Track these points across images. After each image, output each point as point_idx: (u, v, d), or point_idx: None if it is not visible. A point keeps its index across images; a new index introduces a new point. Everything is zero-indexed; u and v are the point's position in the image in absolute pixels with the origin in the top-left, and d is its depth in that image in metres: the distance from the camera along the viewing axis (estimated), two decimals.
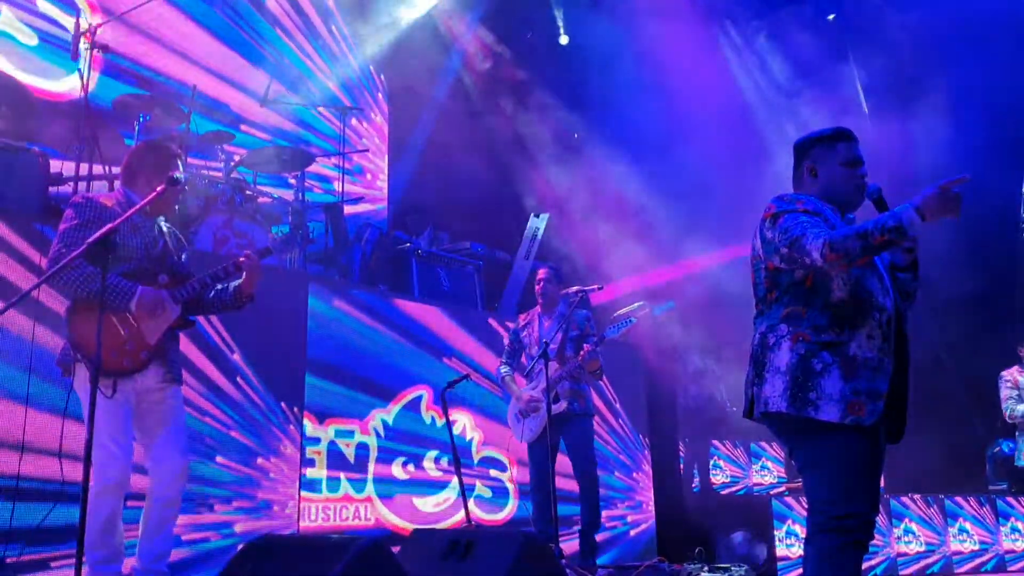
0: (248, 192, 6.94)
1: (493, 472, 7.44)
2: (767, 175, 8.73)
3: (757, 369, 3.19)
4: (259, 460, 5.91)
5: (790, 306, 3.15)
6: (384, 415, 6.79)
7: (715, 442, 9.90)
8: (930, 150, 8.65)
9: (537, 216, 9.52)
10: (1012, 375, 8.05)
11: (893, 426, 3.18)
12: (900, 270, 3.29)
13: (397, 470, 6.80)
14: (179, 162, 4.20)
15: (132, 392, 3.93)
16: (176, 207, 4.22)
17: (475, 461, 7.32)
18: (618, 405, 8.51)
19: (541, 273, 6.56)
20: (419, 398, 7.06)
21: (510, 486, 7.54)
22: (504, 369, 6.51)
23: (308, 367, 6.36)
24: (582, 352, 6.09)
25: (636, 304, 6.34)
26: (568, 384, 6.20)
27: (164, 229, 4.18)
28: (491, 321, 7.94)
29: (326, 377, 6.50)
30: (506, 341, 6.79)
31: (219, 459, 5.68)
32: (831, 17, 9.49)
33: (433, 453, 7.04)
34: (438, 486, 7.02)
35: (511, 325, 6.91)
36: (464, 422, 7.33)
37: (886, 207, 3.18)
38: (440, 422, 7.03)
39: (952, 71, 8.96)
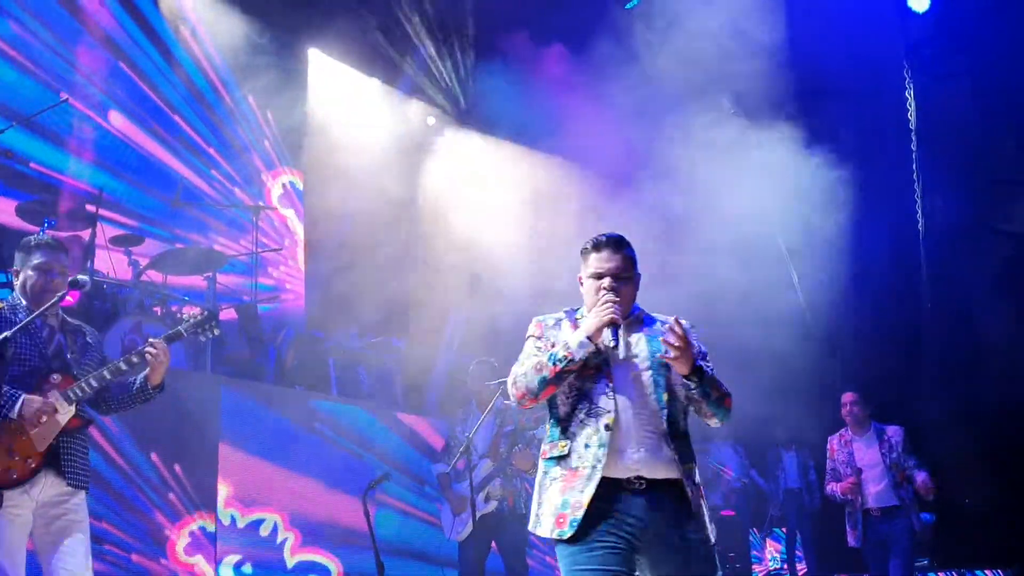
0: (158, 295, 6.80)
1: None
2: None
3: None
4: (162, 563, 5.66)
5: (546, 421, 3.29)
6: None
7: None
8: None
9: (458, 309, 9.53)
10: (832, 444, 6.85)
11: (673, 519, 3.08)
12: (684, 377, 3.15)
13: None
14: (39, 251, 3.95)
15: (27, 503, 3.72)
16: (55, 304, 3.99)
17: (289, 566, 6.65)
18: None
19: (473, 367, 6.30)
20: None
21: None
22: (439, 467, 6.32)
23: (221, 470, 6.17)
24: (515, 450, 5.88)
25: None
26: (500, 482, 5.96)
27: (60, 326, 4.02)
28: (410, 417, 7.83)
29: (240, 479, 6.30)
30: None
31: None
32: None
33: (234, 558, 6.35)
34: None
35: (425, 420, 6.77)
36: (274, 521, 6.65)
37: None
38: (241, 522, 6.46)
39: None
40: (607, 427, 3.07)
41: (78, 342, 4.05)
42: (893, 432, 6.62)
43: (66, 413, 3.80)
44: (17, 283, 3.98)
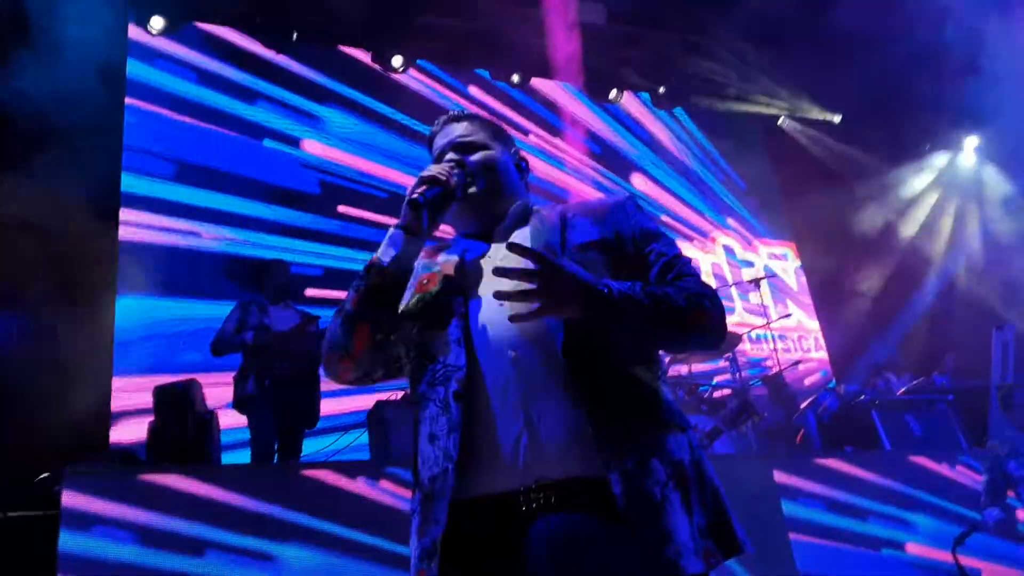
0: (685, 382, 6.87)
1: None
2: None
3: None
4: None
5: None
6: None
7: None
8: None
9: (1000, 329, 8.49)
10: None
11: None
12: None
13: None
14: None
15: None
16: None
17: None
18: None
19: None
20: None
21: None
22: (995, 514, 5.55)
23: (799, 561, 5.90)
24: None
25: None
26: None
27: None
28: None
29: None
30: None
31: None
32: None
33: None
34: None
35: None
36: None
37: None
38: None
39: None
40: (456, 396, 1.74)
41: None
42: None
43: None
44: None
